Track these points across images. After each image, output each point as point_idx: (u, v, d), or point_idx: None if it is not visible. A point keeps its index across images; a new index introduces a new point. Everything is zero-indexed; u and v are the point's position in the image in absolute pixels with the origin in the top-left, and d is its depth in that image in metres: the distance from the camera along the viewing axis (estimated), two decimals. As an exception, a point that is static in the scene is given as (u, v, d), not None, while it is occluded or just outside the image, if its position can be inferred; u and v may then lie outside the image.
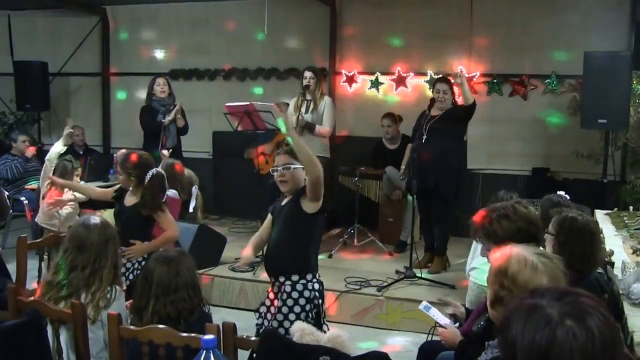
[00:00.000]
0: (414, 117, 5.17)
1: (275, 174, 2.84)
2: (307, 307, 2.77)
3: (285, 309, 2.77)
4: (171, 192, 4.25)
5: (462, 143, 5.10)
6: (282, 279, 2.81)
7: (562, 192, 3.47)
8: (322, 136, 5.29)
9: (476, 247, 3.25)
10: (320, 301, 2.85)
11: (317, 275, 2.87)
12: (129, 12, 7.55)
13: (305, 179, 2.77)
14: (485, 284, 3.19)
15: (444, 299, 2.89)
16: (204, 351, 1.49)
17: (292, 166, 2.79)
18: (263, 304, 2.91)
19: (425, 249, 5.15)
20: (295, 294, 2.77)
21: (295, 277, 2.79)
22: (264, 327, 2.82)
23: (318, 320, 2.81)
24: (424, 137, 4.75)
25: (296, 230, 2.82)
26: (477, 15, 6.24)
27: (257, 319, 2.91)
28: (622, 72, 4.96)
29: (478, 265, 3.33)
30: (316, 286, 2.83)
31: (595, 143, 5.55)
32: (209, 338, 1.51)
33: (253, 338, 2.15)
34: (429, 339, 2.85)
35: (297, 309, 2.76)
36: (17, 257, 3.17)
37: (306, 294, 2.78)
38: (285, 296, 2.78)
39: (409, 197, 5.25)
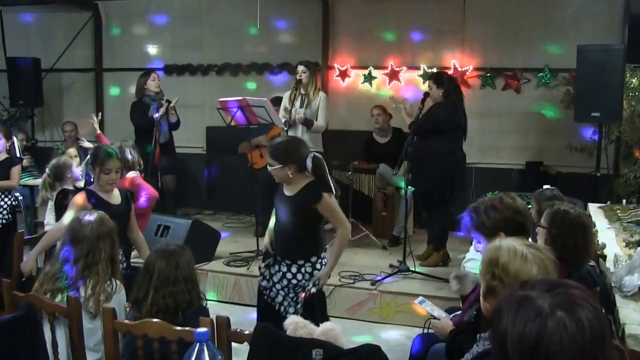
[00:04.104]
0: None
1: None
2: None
3: (291, 293, 2.96)
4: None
5: (449, 141, 4.83)
6: (288, 262, 2.97)
7: (547, 186, 3.50)
8: (318, 132, 5.30)
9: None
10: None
11: (322, 255, 3.03)
12: (121, 8, 7.51)
13: (289, 174, 2.90)
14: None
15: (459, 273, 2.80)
16: (197, 344, 1.50)
17: (271, 167, 2.93)
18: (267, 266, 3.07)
19: (427, 242, 5.17)
20: (299, 276, 2.95)
21: (301, 262, 2.96)
22: (268, 290, 3.03)
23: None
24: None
25: (309, 225, 2.96)
26: (470, 9, 6.24)
27: (262, 281, 3.07)
28: (615, 66, 4.95)
29: (473, 256, 3.36)
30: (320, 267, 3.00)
31: (588, 136, 5.58)
32: (202, 331, 1.52)
33: (247, 332, 2.16)
34: (424, 332, 2.88)
35: (299, 290, 2.94)
36: (14, 252, 3.19)
37: (315, 274, 2.97)
38: (290, 276, 2.97)
39: (402, 192, 5.26)
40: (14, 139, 5.74)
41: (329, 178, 2.99)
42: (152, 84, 5.73)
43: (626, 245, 3.43)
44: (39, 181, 4.79)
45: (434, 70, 6.11)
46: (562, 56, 5.85)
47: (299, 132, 5.18)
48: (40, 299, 2.36)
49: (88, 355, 2.36)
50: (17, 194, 5.07)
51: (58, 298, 2.42)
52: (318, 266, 2.99)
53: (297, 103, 5.26)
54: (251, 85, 7.03)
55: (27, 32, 7.85)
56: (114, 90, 7.72)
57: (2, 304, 2.54)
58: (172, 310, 2.27)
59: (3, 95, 7.56)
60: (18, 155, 5.49)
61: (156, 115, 5.53)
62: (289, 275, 2.97)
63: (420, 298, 2.81)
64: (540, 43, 6.04)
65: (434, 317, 2.61)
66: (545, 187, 3.54)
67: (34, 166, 6.42)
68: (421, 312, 2.76)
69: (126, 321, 2.22)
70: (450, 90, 4.81)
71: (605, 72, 4.93)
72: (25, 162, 6.27)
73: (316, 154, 2.99)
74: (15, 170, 4.84)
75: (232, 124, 5.03)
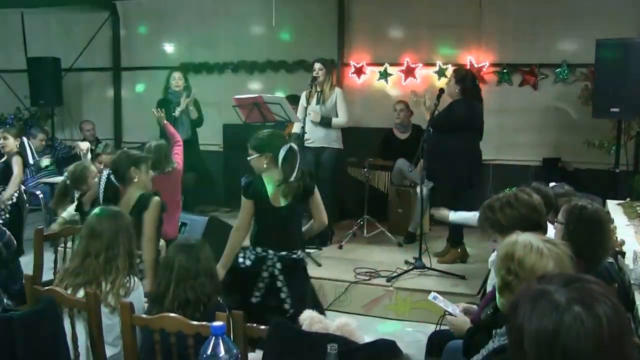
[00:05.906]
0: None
1: None
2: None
3: None
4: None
5: (465, 137, 4.77)
6: None
7: (553, 183, 3.46)
8: (340, 127, 5.32)
9: None
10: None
11: (248, 250, 3.22)
12: (139, 7, 7.59)
13: (264, 163, 3.09)
14: None
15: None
16: (213, 338, 1.51)
17: (249, 158, 3.14)
18: None
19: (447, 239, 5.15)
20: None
21: None
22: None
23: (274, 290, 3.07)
24: (430, 128, 4.70)
25: None
26: (486, 4, 6.19)
27: None
28: (635, 60, 4.85)
29: None
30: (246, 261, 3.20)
31: (607, 132, 5.50)
32: (218, 325, 1.53)
33: (262, 327, 2.17)
34: (438, 328, 2.87)
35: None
36: (34, 248, 3.25)
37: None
38: None
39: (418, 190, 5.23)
40: (24, 139, 5.85)
41: (295, 171, 3.02)
42: (172, 83, 5.92)
43: (646, 242, 3.38)
44: (59, 179, 4.85)
45: (450, 66, 6.07)
46: (580, 51, 5.76)
47: (319, 130, 5.21)
48: (60, 293, 2.40)
49: (107, 350, 2.39)
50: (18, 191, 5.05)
51: (80, 293, 2.45)
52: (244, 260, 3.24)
53: (313, 101, 5.27)
54: (267, 83, 7.04)
55: (47, 32, 7.96)
56: (131, 89, 7.79)
57: (24, 298, 2.59)
58: (194, 304, 2.29)
59: (24, 95, 7.69)
60: (31, 156, 5.60)
61: (174, 112, 5.64)
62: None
63: (433, 294, 2.80)
64: (558, 38, 5.97)
65: (449, 313, 2.61)
66: (551, 184, 3.49)
67: (55, 165, 6.53)
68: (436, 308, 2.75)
69: (143, 315, 2.24)
70: (470, 89, 4.75)
71: (625, 66, 4.85)
72: (46, 161, 6.41)
73: (292, 145, 3.07)
74: (15, 160, 4.90)
75: (248, 121, 5.05)
